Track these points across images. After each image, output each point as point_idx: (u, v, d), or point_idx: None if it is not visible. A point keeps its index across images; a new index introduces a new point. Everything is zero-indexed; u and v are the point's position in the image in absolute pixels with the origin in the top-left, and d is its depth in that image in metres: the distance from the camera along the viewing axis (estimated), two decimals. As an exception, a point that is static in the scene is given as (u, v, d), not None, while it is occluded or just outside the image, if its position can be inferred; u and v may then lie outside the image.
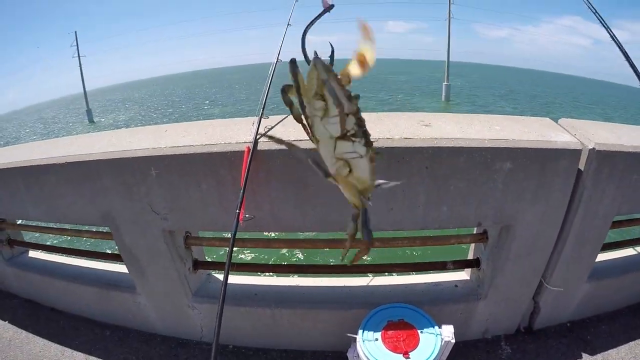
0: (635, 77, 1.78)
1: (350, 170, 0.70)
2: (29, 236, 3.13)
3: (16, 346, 2.58)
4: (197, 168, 1.44)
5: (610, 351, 1.98)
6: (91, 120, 33.56)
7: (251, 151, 1.34)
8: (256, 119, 1.50)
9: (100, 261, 2.36)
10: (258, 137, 1.41)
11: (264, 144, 1.38)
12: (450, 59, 31.50)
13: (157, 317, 2.08)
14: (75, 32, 37.61)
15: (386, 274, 1.88)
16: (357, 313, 1.64)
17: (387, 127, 1.48)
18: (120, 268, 2.27)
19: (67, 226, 2.48)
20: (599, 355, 1.96)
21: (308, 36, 0.76)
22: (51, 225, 2.54)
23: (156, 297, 1.95)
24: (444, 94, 30.87)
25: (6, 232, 2.80)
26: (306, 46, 0.69)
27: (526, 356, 1.94)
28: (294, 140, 1.34)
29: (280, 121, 1.54)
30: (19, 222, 2.76)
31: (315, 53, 0.66)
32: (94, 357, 2.22)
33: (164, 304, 1.97)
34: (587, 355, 1.95)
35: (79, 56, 37.38)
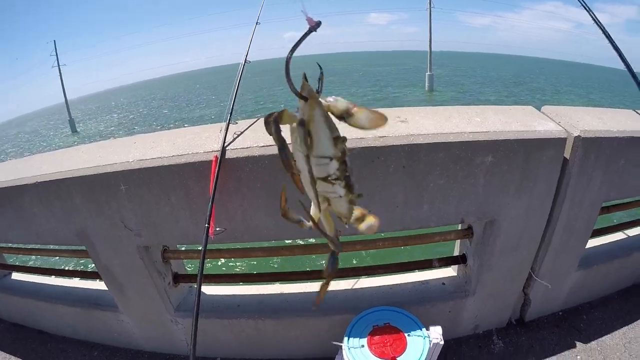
0: (619, 59, 1.74)
1: (329, 204, 0.65)
2: (12, 259, 3.04)
3: None
4: (165, 181, 1.37)
5: (604, 338, 1.95)
6: (74, 130, 32.30)
7: (219, 160, 1.28)
8: (224, 125, 1.44)
9: (83, 279, 2.28)
10: (226, 145, 1.34)
11: (233, 152, 1.31)
12: (434, 49, 30.98)
13: (141, 334, 2.02)
14: (54, 41, 36.53)
15: (370, 276, 1.82)
16: (343, 319, 1.59)
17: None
18: (102, 286, 2.21)
19: (48, 246, 2.40)
20: (593, 342, 1.93)
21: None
22: (30, 246, 2.45)
23: (138, 314, 1.89)
24: (427, 84, 30.43)
25: None
26: (290, 74, 0.56)
27: (519, 349, 1.90)
28: (263, 146, 1.29)
29: (250, 126, 1.48)
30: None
31: (305, 76, 0.56)
32: None
33: (147, 320, 1.91)
34: (580, 343, 1.91)
35: (58, 65, 36.27)
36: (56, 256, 2.29)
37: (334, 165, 0.57)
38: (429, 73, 30.34)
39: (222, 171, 1.27)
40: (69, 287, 2.36)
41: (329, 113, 0.54)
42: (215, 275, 1.90)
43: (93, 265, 1.86)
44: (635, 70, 1.75)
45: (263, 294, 1.80)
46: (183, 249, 1.81)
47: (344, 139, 0.56)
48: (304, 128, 0.53)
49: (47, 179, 1.64)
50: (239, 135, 1.41)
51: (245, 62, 1.61)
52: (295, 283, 1.81)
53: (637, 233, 2.15)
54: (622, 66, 1.77)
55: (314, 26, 0.52)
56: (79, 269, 2.65)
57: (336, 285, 1.78)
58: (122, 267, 1.68)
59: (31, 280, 2.64)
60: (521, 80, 40.62)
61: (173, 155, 1.37)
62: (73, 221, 1.66)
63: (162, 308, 1.76)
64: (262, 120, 1.48)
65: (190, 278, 1.84)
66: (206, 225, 1.16)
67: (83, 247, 1.81)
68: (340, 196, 0.62)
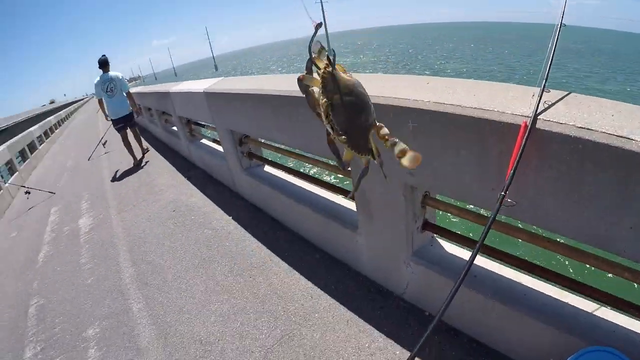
0: None
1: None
2: (266, 153, 4.08)
3: (233, 239, 3.53)
4: (460, 131, 1.58)
5: None
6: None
7: (528, 128, 1.38)
8: (536, 90, 1.51)
9: (334, 194, 2.90)
10: (538, 112, 1.43)
11: (544, 123, 1.39)
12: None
13: (369, 259, 2.52)
14: None
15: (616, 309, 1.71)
16: (568, 340, 1.59)
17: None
18: (344, 202, 2.76)
19: (307, 154, 3.11)
20: None
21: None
22: (289, 149, 3.20)
23: (376, 242, 2.34)
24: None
25: (248, 146, 3.71)
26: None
27: None
28: (580, 127, 1.32)
29: (562, 98, 1.51)
30: (262, 140, 3.61)
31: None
32: (295, 270, 2.93)
33: (381, 250, 2.36)
34: None
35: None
36: (316, 166, 2.93)
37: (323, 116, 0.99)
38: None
39: (528, 140, 1.38)
40: (311, 192, 3.03)
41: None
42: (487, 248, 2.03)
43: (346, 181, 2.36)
44: None
45: (519, 283, 1.90)
46: (442, 200, 2.06)
47: (326, 105, 0.96)
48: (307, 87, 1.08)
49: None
50: (551, 106, 1.47)
51: (560, 25, 1.58)
52: (548, 283, 1.85)
53: None
54: None
55: (317, 26, 0.99)
56: (331, 181, 3.40)
57: (578, 301, 1.76)
58: (380, 196, 2.09)
59: (279, 176, 3.49)
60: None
61: (475, 107, 1.55)
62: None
63: (402, 247, 2.15)
64: (574, 95, 1.52)
65: (437, 230, 2.12)
66: (502, 193, 1.33)
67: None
68: (329, 133, 1.01)
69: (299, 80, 1.06)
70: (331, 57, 1.01)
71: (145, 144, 8.17)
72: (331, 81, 0.96)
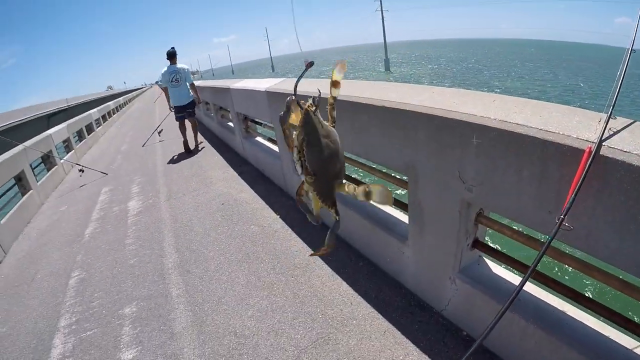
0: None
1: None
2: None
3: (278, 238, 3.77)
4: (524, 151, 1.66)
5: None
6: (387, 69, 46.87)
7: (592, 154, 1.45)
8: (602, 115, 1.57)
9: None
10: (603, 139, 1.49)
11: (608, 150, 1.45)
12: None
13: (414, 271, 2.63)
14: None
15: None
16: None
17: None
18: (395, 212, 2.87)
19: (356, 158, 3.24)
20: None
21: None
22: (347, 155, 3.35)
23: (424, 255, 2.45)
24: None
25: None
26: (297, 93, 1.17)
27: None
28: None
29: (628, 126, 1.55)
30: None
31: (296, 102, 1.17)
32: (337, 275, 3.10)
33: (428, 264, 2.46)
34: None
35: (381, 10, 50.07)
36: (372, 174, 3.07)
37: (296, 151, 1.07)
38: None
39: (591, 167, 1.45)
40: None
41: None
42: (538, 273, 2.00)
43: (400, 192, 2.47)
44: None
45: (563, 312, 1.93)
46: (496, 219, 2.13)
47: (302, 139, 1.02)
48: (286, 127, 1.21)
49: (395, 107, 2.23)
50: (616, 133, 1.51)
51: (631, 50, 1.61)
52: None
53: None
54: None
55: (309, 65, 1.12)
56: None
57: (620, 337, 1.77)
58: (434, 210, 2.19)
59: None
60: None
61: (540, 129, 1.64)
62: (406, 152, 2.24)
63: (449, 263, 2.24)
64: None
65: (486, 249, 2.20)
66: (561, 216, 1.40)
67: (403, 177, 2.42)
68: (300, 173, 1.05)
69: (281, 117, 1.18)
70: (317, 99, 1.13)
71: (200, 138, 8.73)
72: (312, 121, 1.07)
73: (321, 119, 1.05)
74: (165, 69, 7.56)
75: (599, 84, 34.26)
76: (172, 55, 7.49)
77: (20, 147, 6.73)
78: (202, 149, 8.22)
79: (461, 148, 1.91)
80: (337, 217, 1.08)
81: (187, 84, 7.68)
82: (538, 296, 2.03)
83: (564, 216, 1.40)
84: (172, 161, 7.72)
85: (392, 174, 2.79)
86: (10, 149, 6.57)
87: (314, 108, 1.05)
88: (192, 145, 8.15)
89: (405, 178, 2.37)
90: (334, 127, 1.01)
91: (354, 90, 2.80)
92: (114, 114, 21.22)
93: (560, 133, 1.59)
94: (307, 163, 1.04)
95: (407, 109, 2.17)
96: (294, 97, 1.08)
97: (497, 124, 1.76)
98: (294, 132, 1.08)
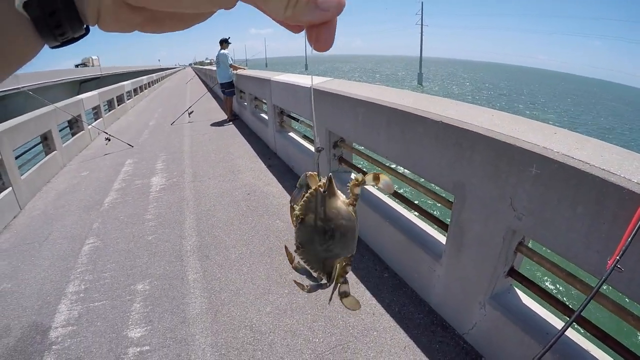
0: None
1: None
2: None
3: None
4: (583, 188, 1.71)
5: None
6: (420, 83, 51.81)
7: None
8: None
9: (422, 219, 3.09)
10: None
11: None
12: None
13: (441, 292, 2.68)
14: (422, 2, 55.94)
15: None
16: None
17: None
18: (430, 229, 2.92)
19: (397, 168, 3.29)
20: None
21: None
22: (386, 163, 3.40)
23: (457, 276, 2.50)
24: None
25: (341, 149, 3.96)
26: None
27: None
28: None
29: None
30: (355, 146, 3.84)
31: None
32: (362, 284, 3.14)
33: (459, 285, 2.51)
34: None
35: (421, 24, 51.91)
36: (414, 189, 3.12)
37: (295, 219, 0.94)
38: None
39: None
40: (402, 213, 3.22)
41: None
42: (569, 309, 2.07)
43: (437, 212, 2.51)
44: None
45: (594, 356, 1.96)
46: (537, 250, 2.17)
47: (297, 215, 0.91)
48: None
49: (455, 124, 2.28)
50: None
51: None
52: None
53: None
54: None
55: (319, 150, 0.96)
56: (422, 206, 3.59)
57: None
58: (477, 233, 2.24)
59: (369, 189, 3.69)
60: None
61: (603, 169, 1.68)
62: (458, 171, 2.29)
63: (482, 287, 2.29)
64: None
65: (521, 279, 2.23)
66: (617, 257, 1.44)
67: (449, 197, 2.46)
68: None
69: (293, 196, 1.17)
70: (332, 179, 1.12)
71: (236, 111, 10.49)
72: (318, 201, 1.05)
73: (332, 198, 0.97)
74: (217, 53, 9.75)
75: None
76: (221, 42, 9.63)
77: (51, 107, 6.94)
78: (233, 120, 10.17)
79: (518, 175, 1.95)
80: (328, 284, 1.04)
81: (227, 65, 9.65)
82: (575, 340, 2.06)
83: (620, 257, 1.44)
84: (200, 144, 7.90)
85: (434, 191, 2.82)
86: (40, 108, 6.78)
87: (323, 190, 1.01)
88: (228, 115, 10.31)
89: (447, 197, 2.42)
90: (354, 205, 0.92)
91: (408, 100, 2.86)
92: (145, 89, 21.85)
93: (622, 176, 1.64)
94: (296, 237, 1.05)
95: (468, 128, 2.22)
96: (310, 174, 1.06)
97: (560, 157, 1.80)
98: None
